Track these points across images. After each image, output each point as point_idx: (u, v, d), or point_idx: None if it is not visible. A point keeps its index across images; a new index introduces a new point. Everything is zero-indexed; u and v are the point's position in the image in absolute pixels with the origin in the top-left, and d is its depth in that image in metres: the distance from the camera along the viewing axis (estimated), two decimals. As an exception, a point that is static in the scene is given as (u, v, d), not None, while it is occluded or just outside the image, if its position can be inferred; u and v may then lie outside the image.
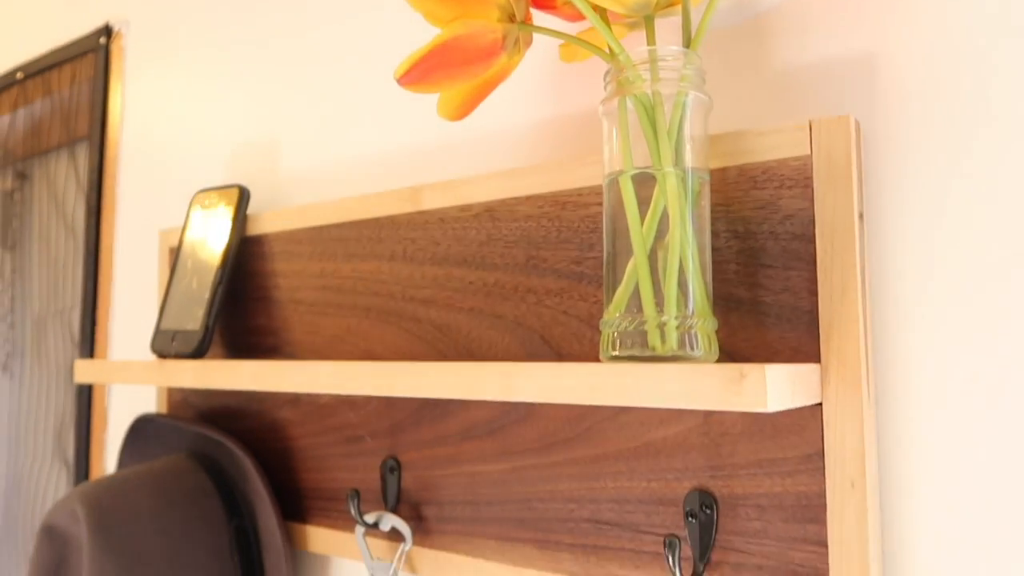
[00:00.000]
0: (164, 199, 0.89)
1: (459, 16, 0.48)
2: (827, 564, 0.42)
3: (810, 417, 0.43)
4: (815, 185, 0.44)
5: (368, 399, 0.63)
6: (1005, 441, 0.40)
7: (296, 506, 0.67)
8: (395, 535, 0.60)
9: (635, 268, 0.42)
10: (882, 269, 0.44)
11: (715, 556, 0.46)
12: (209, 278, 0.70)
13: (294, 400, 0.69)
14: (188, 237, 0.75)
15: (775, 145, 0.45)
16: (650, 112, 0.43)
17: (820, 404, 0.43)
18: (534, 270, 0.54)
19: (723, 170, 0.47)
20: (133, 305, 0.91)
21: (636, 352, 0.42)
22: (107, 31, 0.97)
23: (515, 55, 0.49)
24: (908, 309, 0.43)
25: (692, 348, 0.41)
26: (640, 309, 0.42)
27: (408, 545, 0.58)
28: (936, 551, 0.41)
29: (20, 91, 1.10)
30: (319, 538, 0.65)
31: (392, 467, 0.61)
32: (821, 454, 0.43)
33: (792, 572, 0.43)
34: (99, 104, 0.96)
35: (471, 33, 0.47)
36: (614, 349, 0.43)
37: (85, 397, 0.94)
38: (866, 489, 0.41)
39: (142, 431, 0.78)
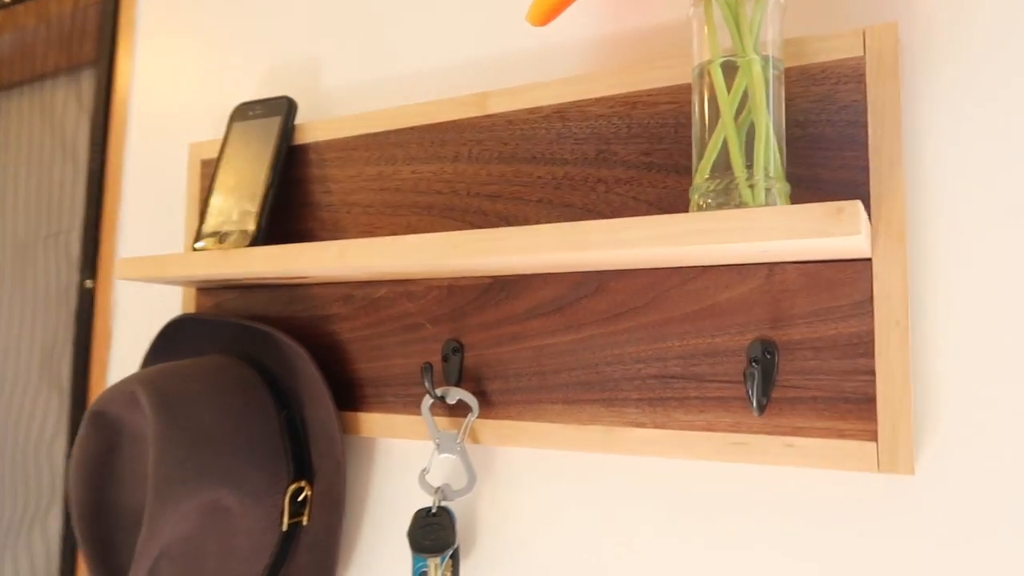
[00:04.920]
0: (186, 119, 0.90)
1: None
2: (875, 389, 0.51)
3: (862, 270, 0.52)
4: (867, 80, 0.53)
5: (428, 288, 0.68)
6: (1018, 283, 0.50)
7: (347, 396, 0.71)
8: (458, 411, 0.65)
9: (725, 134, 0.50)
10: (919, 147, 0.53)
11: (775, 394, 0.54)
12: (262, 177, 0.73)
13: (346, 296, 0.73)
14: (231, 146, 0.77)
15: (834, 48, 0.54)
16: (734, 9, 0.51)
17: (870, 259, 0.52)
18: (604, 163, 0.61)
19: (786, 70, 0.55)
20: (140, 227, 0.92)
21: (724, 201, 0.50)
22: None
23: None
24: (942, 180, 0.52)
25: (761, 199, 0.49)
26: (728, 170, 0.50)
27: (475, 414, 0.64)
28: (960, 376, 0.51)
29: (7, 16, 1.08)
30: (370, 423, 0.70)
31: (455, 348, 0.66)
32: (870, 300, 0.51)
33: (844, 398, 0.52)
34: (109, 27, 0.96)
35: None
36: (708, 208, 0.50)
37: (85, 316, 0.94)
38: (908, 327, 0.50)
39: (173, 336, 0.79)
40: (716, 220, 0.47)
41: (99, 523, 0.68)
